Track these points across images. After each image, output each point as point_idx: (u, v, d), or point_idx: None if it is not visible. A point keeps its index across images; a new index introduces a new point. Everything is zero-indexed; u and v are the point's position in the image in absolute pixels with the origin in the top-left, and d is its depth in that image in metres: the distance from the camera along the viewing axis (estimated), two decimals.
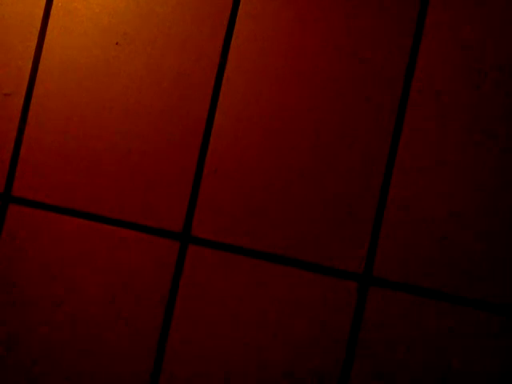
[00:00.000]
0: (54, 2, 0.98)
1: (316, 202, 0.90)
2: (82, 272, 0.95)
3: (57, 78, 0.97)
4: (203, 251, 0.92)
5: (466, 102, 0.88)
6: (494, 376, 0.84)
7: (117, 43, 0.96)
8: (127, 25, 0.96)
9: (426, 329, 0.86)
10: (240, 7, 0.94)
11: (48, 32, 0.98)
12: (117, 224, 0.94)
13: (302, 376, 0.88)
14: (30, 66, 0.98)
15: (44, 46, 0.98)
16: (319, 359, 0.88)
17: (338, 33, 0.91)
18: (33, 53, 0.98)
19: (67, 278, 0.95)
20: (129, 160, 0.95)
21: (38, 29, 0.98)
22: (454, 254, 0.86)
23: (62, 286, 0.95)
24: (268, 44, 0.93)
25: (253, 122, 0.92)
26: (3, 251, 0.97)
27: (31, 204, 0.96)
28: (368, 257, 0.88)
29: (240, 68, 0.93)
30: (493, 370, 0.84)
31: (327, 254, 0.89)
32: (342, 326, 0.88)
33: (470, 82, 0.88)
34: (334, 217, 0.89)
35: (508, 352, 0.84)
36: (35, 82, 0.98)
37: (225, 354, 0.91)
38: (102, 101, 0.96)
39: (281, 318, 0.89)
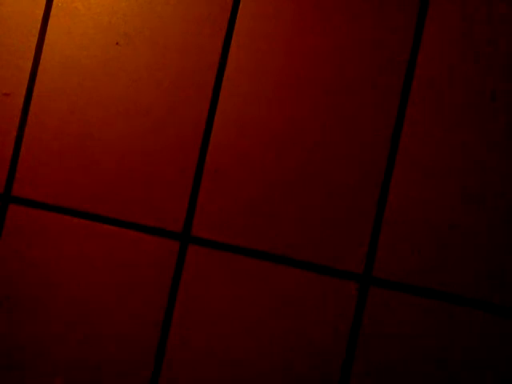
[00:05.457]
0: (54, 2, 0.98)
1: (316, 201, 0.90)
2: (81, 272, 0.95)
3: (57, 77, 0.97)
4: (203, 251, 0.92)
5: (467, 101, 0.88)
6: (494, 376, 0.84)
7: (117, 43, 0.96)
8: (127, 25, 0.96)
9: (426, 329, 0.86)
10: (240, 7, 0.94)
11: (48, 32, 0.98)
12: (117, 224, 0.94)
13: (303, 376, 0.88)
14: (29, 65, 0.98)
15: (44, 45, 0.98)
16: (319, 359, 0.88)
17: (338, 32, 0.91)
18: (33, 53, 0.98)
19: (67, 277, 0.95)
20: (129, 160, 0.95)
21: (38, 29, 0.98)
22: (455, 253, 0.86)
23: (62, 285, 0.95)
24: (268, 44, 0.93)
25: (253, 121, 0.92)
26: (3, 251, 0.97)
27: (31, 204, 0.96)
28: (368, 257, 0.88)
29: (240, 68, 0.93)
30: (493, 370, 0.84)
31: (327, 253, 0.89)
32: (342, 325, 0.88)
33: (472, 79, 0.88)
34: (334, 217, 0.89)
35: (508, 352, 0.84)
36: (35, 82, 0.98)
37: (224, 354, 0.91)
38: (101, 101, 0.96)
39: (281, 318, 0.89)
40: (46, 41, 0.98)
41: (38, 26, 0.98)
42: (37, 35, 0.98)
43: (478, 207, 0.86)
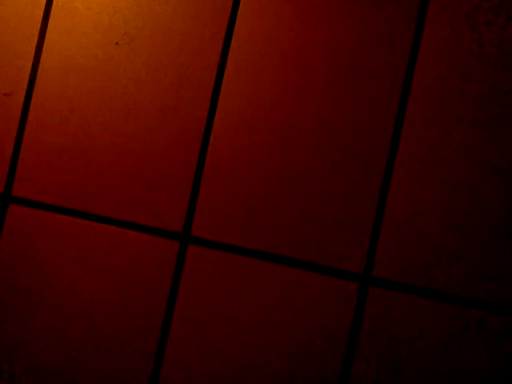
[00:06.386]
0: (54, 2, 0.98)
1: (316, 202, 0.90)
2: (81, 272, 0.95)
3: (57, 78, 0.97)
4: (203, 251, 0.92)
5: (466, 102, 0.88)
6: (494, 376, 0.84)
7: (117, 43, 0.96)
8: (127, 25, 0.96)
9: (425, 329, 0.86)
10: (240, 7, 0.94)
11: (48, 32, 0.98)
12: (117, 224, 0.94)
13: (303, 376, 0.88)
14: (30, 65, 0.98)
15: (44, 46, 0.98)
16: (320, 359, 0.88)
17: (338, 32, 0.91)
18: (33, 53, 0.98)
19: (67, 278, 0.95)
20: (129, 160, 0.95)
21: (38, 29, 0.98)
22: (454, 253, 0.86)
23: (62, 286, 0.95)
24: (268, 44, 0.93)
25: (253, 121, 0.92)
26: (3, 251, 0.97)
27: (31, 204, 0.96)
28: (368, 257, 0.88)
29: (240, 68, 0.93)
30: (493, 369, 0.84)
31: (327, 253, 0.89)
32: (342, 325, 0.88)
33: (471, 82, 0.88)
34: (334, 217, 0.89)
35: (508, 352, 0.84)
36: (35, 82, 0.98)
37: (224, 354, 0.91)
38: (101, 101, 0.96)
39: (281, 318, 0.89)
40: (46, 41, 0.98)
41: (38, 26, 0.98)
42: (37, 35, 0.98)
43: (478, 207, 0.86)
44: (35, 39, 0.98)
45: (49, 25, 0.98)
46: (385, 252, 0.88)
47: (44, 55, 0.98)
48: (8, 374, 0.96)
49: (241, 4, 0.94)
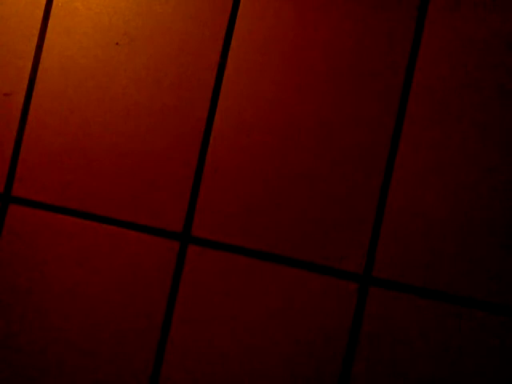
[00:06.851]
0: (54, 2, 0.98)
1: (316, 201, 0.90)
2: (81, 272, 0.95)
3: (57, 78, 0.97)
4: (203, 251, 0.92)
5: (466, 102, 0.88)
6: (494, 376, 0.84)
7: (117, 43, 0.96)
8: (127, 25, 0.96)
9: (425, 329, 0.86)
10: (240, 7, 0.94)
11: (48, 32, 0.98)
12: (117, 224, 0.94)
13: (303, 376, 0.88)
14: (30, 65, 0.98)
15: (44, 46, 0.98)
16: (319, 359, 0.88)
17: (338, 32, 0.91)
18: (33, 53, 0.98)
19: (67, 278, 0.95)
20: (129, 160, 0.95)
21: (38, 29, 0.98)
22: (454, 253, 0.86)
23: (62, 286, 0.95)
24: (268, 44, 0.93)
25: (253, 121, 0.92)
26: (3, 251, 0.97)
27: (31, 204, 0.96)
28: (368, 257, 0.88)
29: (240, 68, 0.93)
30: (493, 369, 0.84)
31: (327, 253, 0.89)
32: (342, 325, 0.88)
33: (471, 83, 0.88)
34: (334, 217, 0.89)
35: (508, 352, 0.84)
36: (35, 82, 0.98)
37: (224, 354, 0.91)
38: (101, 101, 0.96)
39: (281, 319, 0.89)
40: (46, 41, 0.98)
41: (38, 26, 0.98)
42: (37, 35, 0.98)
43: (478, 207, 0.86)
44: (35, 39, 0.98)
45: (49, 25, 0.98)
46: (385, 252, 0.88)
47: (44, 55, 0.98)
48: (7, 374, 0.96)
49: (241, 4, 0.94)
